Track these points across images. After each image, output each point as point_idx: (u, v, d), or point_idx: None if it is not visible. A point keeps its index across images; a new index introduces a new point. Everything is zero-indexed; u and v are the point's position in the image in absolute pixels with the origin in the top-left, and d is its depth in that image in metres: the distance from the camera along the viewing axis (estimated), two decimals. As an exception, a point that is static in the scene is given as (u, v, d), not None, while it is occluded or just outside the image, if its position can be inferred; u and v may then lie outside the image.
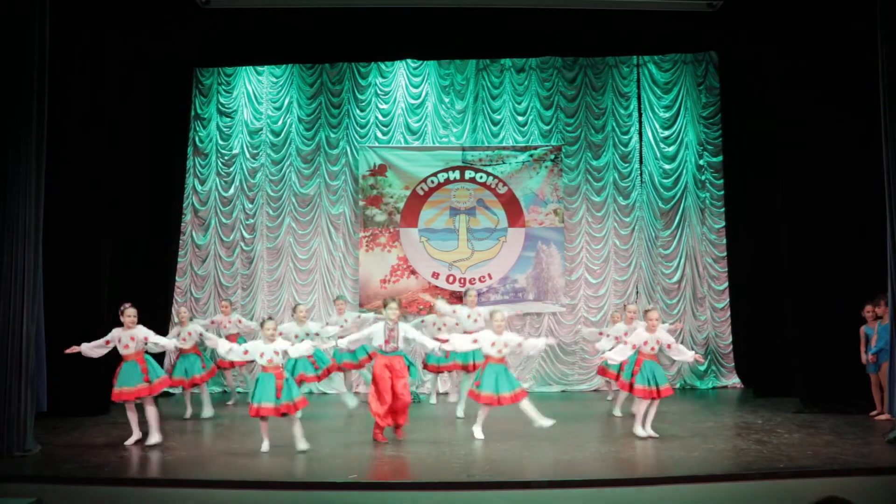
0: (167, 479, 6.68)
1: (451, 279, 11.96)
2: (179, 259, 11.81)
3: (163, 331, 11.46)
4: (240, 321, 10.61)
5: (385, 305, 8.27)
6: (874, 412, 9.01)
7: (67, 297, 9.21)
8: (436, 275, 11.97)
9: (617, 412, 9.41)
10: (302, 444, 7.48)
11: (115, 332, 7.95)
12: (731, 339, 11.84)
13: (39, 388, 7.89)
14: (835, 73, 9.55)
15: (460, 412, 9.44)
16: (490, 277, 11.99)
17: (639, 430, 8.04)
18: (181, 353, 9.56)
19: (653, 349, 8.09)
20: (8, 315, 7.39)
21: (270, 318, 7.86)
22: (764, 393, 10.70)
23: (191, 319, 9.91)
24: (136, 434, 7.94)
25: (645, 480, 6.51)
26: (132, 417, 7.97)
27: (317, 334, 9.66)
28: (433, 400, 10.90)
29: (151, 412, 7.89)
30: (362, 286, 11.86)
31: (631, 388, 8.22)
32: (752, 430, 8.41)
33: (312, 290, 12.03)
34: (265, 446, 7.56)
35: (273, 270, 12.05)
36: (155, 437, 7.85)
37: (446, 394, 11.34)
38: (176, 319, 10.17)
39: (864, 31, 8.57)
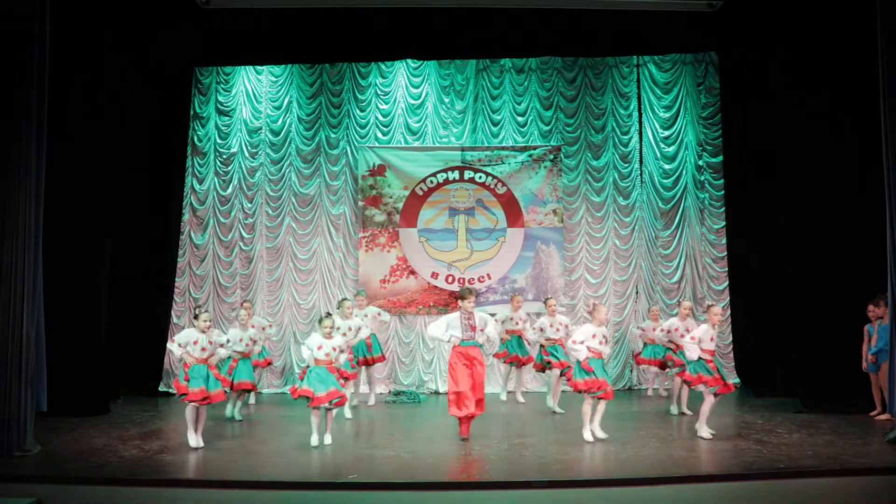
0: (167, 480, 6.67)
1: (450, 279, 11.96)
2: (178, 259, 11.79)
3: (163, 331, 11.53)
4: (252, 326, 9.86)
5: (462, 297, 8.12)
6: (874, 412, 9.03)
7: (67, 297, 9.21)
8: (435, 275, 11.97)
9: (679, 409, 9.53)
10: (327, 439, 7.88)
11: (192, 333, 7.90)
12: (731, 339, 11.83)
13: (39, 388, 7.89)
14: (835, 74, 9.56)
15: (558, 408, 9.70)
16: (489, 277, 11.98)
17: (703, 431, 8.15)
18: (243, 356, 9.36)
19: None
20: (8, 315, 7.39)
21: (329, 315, 8.09)
22: (764, 393, 10.69)
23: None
24: (198, 440, 7.75)
25: (645, 480, 6.51)
26: (194, 420, 7.78)
27: (359, 329, 9.76)
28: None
29: (203, 415, 7.87)
30: (362, 286, 11.84)
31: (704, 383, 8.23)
32: (752, 430, 8.42)
33: (312, 291, 12.00)
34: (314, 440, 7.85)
35: (273, 270, 12.02)
36: (200, 441, 7.78)
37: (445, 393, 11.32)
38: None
39: (864, 32, 8.58)
